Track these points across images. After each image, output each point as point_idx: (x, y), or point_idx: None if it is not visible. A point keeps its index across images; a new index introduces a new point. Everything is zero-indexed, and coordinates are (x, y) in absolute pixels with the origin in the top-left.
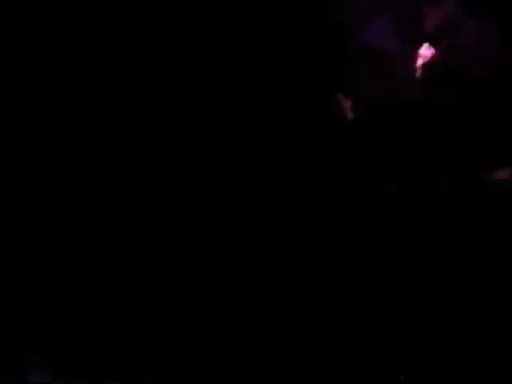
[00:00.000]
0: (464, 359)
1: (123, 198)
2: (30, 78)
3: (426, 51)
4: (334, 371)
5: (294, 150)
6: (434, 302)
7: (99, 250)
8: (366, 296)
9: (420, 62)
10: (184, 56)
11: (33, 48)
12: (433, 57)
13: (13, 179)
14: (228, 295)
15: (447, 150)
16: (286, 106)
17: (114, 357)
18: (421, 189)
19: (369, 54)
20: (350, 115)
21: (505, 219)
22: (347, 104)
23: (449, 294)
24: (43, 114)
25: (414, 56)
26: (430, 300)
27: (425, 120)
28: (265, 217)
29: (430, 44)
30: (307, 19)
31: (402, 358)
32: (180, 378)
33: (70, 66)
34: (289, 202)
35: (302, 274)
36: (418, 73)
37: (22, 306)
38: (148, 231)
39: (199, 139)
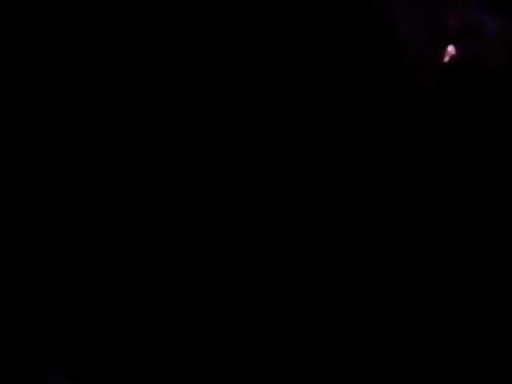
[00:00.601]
0: (464, 359)
1: (123, 197)
2: (29, 78)
3: (450, 51)
4: (334, 371)
5: (304, 151)
6: (434, 302)
7: (100, 255)
8: (366, 295)
9: (445, 61)
10: (194, 55)
11: (33, 48)
12: (455, 57)
13: (13, 179)
14: (227, 295)
15: (464, 150)
16: (300, 103)
17: (117, 360)
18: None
19: (394, 54)
20: (371, 112)
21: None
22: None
23: (450, 294)
24: (43, 113)
25: (439, 56)
26: (431, 300)
27: (446, 120)
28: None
29: (453, 44)
30: (334, 20)
31: (401, 358)
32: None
33: (70, 66)
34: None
35: (304, 273)
36: (443, 72)
37: (22, 305)
38: (148, 231)
39: (209, 138)
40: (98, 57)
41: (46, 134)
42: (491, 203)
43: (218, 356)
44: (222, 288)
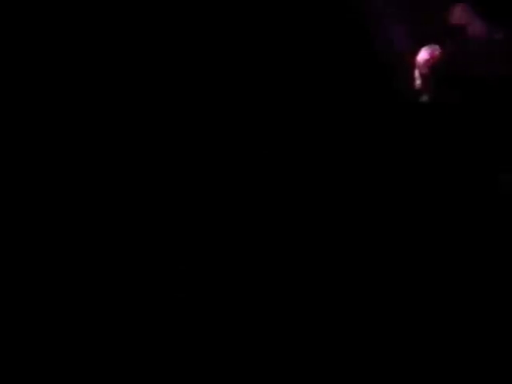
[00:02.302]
0: (464, 359)
1: (123, 197)
2: (29, 78)
3: (431, 51)
4: (333, 371)
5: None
6: (435, 301)
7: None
8: (366, 295)
9: (426, 61)
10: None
11: (33, 48)
12: (438, 57)
13: (13, 179)
14: (227, 295)
15: (451, 151)
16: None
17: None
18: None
19: (383, 55)
20: (361, 114)
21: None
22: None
23: (451, 294)
24: (43, 113)
25: (425, 57)
26: (432, 299)
27: (432, 120)
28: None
29: (438, 45)
30: (324, 21)
31: (401, 357)
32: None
33: (70, 66)
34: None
35: (305, 272)
36: (425, 73)
37: (22, 306)
38: (148, 232)
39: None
40: (98, 57)
41: (46, 134)
42: (485, 202)
43: (218, 355)
44: (222, 288)
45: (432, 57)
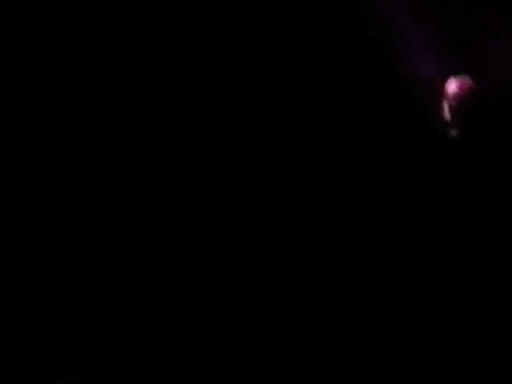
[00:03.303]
0: (464, 359)
1: (123, 198)
2: (29, 78)
3: (460, 84)
4: (333, 371)
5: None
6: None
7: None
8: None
9: (455, 94)
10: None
11: (33, 48)
12: (468, 91)
13: (13, 179)
14: (227, 295)
15: (479, 189)
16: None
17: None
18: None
19: (409, 82)
20: (383, 143)
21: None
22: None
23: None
24: (43, 113)
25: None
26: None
27: (461, 156)
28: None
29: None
30: (345, 45)
31: (401, 358)
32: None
33: (70, 66)
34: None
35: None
36: (454, 106)
37: (21, 308)
38: (147, 232)
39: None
40: (98, 57)
41: (46, 134)
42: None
43: (218, 356)
44: (222, 288)
45: (461, 90)
